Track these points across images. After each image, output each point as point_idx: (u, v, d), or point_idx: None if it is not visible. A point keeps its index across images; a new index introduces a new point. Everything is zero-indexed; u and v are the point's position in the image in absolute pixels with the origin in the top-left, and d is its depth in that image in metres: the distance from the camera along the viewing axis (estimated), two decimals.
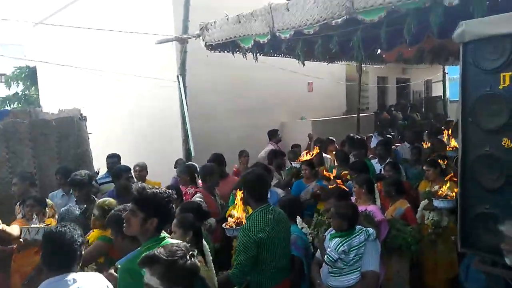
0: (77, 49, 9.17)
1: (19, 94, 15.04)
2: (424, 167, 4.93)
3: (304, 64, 5.86)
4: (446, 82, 14.13)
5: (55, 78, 10.57)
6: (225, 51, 6.07)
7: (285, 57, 7.27)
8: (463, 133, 3.07)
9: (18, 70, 14.53)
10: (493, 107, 2.86)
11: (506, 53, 2.76)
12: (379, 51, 8.15)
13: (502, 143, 2.81)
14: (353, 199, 3.92)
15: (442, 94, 14.14)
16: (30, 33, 11.43)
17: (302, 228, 3.60)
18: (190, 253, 1.76)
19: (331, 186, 4.33)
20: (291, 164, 6.04)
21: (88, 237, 3.09)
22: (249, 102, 8.59)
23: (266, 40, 5.01)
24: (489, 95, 2.87)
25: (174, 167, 6.07)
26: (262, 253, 2.85)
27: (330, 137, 7.42)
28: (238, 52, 6.01)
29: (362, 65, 9.97)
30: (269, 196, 3.15)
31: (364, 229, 3.02)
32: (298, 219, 3.63)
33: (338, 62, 9.06)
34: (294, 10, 4.54)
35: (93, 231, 3.23)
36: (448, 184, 4.06)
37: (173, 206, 2.31)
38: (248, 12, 5.03)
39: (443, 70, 13.66)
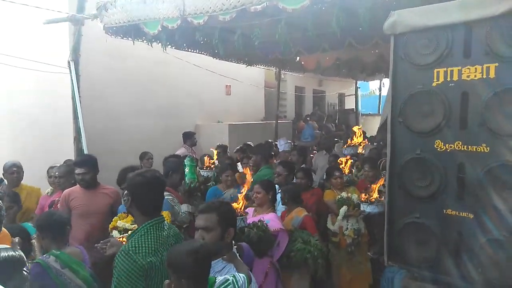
0: None
1: None
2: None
3: (222, 59, 5.25)
4: (358, 96, 14.76)
5: None
6: (129, 38, 5.21)
7: (200, 53, 6.61)
8: (392, 135, 2.74)
9: None
10: (426, 106, 2.55)
11: (441, 47, 2.48)
12: (298, 58, 8.00)
13: (435, 146, 2.51)
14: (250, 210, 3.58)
15: (354, 107, 14.69)
16: None
17: None
18: None
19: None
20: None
21: None
22: (160, 100, 7.74)
23: (175, 25, 4.34)
24: (422, 93, 2.57)
25: None
26: (152, 286, 2.04)
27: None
28: (142, 41, 5.21)
29: (281, 72, 9.79)
30: None
31: (230, 279, 2.00)
32: None
33: (257, 66, 8.69)
34: None
35: None
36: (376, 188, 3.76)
37: None
38: None
39: (356, 84, 14.23)
